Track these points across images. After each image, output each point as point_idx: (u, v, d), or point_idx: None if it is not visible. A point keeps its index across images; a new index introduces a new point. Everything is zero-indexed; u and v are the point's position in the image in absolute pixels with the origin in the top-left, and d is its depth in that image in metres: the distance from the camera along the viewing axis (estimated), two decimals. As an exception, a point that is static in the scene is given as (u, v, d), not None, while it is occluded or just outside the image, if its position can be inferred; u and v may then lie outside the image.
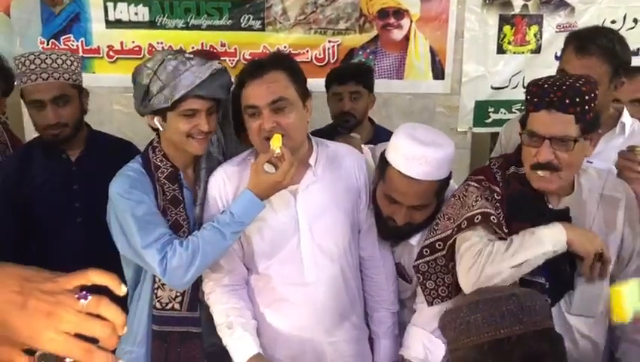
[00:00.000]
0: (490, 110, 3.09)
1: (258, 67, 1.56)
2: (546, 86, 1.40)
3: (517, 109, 3.05)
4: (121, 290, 0.65)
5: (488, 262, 1.41)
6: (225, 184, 1.61)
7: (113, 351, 0.61)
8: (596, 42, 1.72)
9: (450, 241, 1.54)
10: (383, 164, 1.60)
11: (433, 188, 1.55)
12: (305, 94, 1.59)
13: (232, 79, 1.66)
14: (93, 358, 0.59)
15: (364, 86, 2.40)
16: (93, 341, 0.60)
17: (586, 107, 1.38)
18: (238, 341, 1.54)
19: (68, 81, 1.83)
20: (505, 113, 3.07)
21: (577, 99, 1.37)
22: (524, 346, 1.00)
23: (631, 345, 1.57)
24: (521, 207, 1.49)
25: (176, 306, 1.62)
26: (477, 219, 1.49)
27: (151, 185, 1.60)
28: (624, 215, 1.52)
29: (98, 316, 0.61)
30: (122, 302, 1.73)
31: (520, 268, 1.41)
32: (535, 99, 1.40)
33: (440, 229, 1.58)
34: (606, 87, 1.72)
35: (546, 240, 1.41)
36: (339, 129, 2.36)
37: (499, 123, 3.05)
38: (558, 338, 1.05)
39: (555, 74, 1.67)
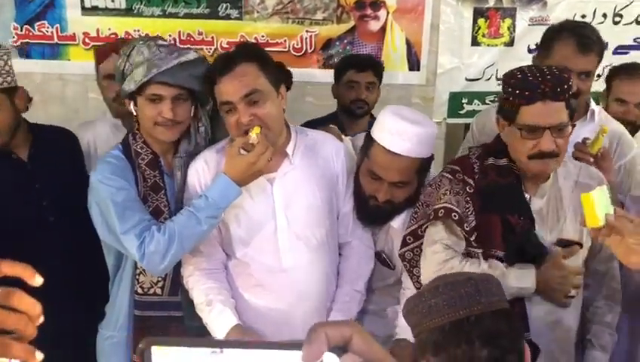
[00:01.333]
0: (464, 101, 3.15)
1: (227, 61, 1.58)
2: (531, 78, 1.45)
3: (490, 100, 3.11)
4: (36, 281, 0.61)
5: None
6: (204, 171, 1.64)
7: (33, 342, 0.59)
8: (593, 39, 1.82)
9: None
10: (368, 141, 1.66)
11: (414, 166, 1.61)
12: (277, 82, 1.62)
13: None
14: (9, 351, 0.57)
15: (378, 79, 2.52)
16: (9, 333, 0.57)
17: (570, 93, 1.46)
18: (218, 316, 1.58)
19: None
20: (478, 104, 3.14)
21: (565, 86, 1.45)
22: (483, 325, 1.03)
23: (601, 326, 1.65)
24: (496, 198, 1.55)
25: (158, 291, 1.65)
26: (440, 213, 1.55)
27: (131, 172, 1.63)
28: None
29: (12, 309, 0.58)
30: (104, 290, 1.76)
31: None
32: (526, 93, 1.44)
33: (419, 216, 1.64)
34: (593, 79, 1.82)
35: (513, 284, 1.49)
36: (355, 112, 2.49)
37: (472, 114, 3.10)
38: (514, 318, 1.10)
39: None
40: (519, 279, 1.50)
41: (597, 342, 1.65)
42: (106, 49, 2.10)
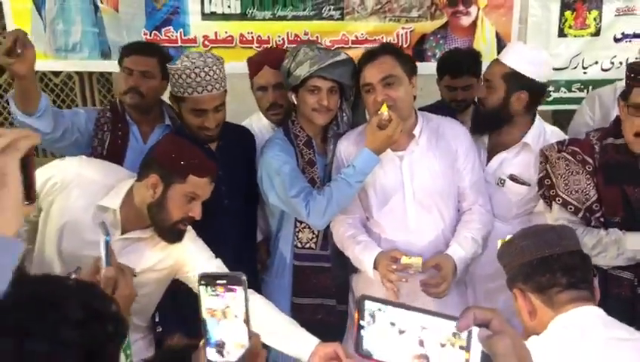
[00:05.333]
0: (551, 89, 3.32)
1: (371, 54, 1.96)
2: None
3: (577, 88, 3.29)
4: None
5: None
6: (348, 147, 2.01)
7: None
8: None
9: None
10: None
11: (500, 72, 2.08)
12: (410, 72, 1.95)
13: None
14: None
15: (475, 75, 2.66)
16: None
17: None
18: (364, 248, 1.95)
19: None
20: (565, 92, 3.31)
21: None
22: (562, 260, 1.35)
23: None
24: (615, 172, 1.81)
25: (312, 245, 2.02)
26: (558, 200, 1.93)
27: (293, 150, 1.98)
28: None
29: None
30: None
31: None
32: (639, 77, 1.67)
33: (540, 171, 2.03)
34: None
35: (629, 247, 1.79)
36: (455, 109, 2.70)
37: (559, 101, 3.32)
38: (586, 257, 1.41)
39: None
40: (634, 243, 1.74)
41: None
42: (258, 61, 2.32)
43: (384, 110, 1.85)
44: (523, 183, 2.13)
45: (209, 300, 0.83)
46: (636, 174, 1.83)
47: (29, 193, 0.75)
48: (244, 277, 0.83)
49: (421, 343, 0.73)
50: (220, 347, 0.86)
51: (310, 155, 2.05)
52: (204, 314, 0.85)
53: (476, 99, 2.38)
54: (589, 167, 1.89)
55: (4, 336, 0.56)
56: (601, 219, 1.87)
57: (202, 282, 0.84)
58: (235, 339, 0.85)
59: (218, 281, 0.83)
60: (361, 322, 0.76)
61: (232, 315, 0.83)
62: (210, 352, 0.86)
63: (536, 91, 2.12)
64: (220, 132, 2.12)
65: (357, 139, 2.01)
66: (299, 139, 2.05)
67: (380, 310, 0.76)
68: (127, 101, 2.31)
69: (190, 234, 1.80)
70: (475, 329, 0.72)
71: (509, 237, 1.46)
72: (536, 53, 2.16)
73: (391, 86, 1.89)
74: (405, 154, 1.99)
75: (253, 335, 0.86)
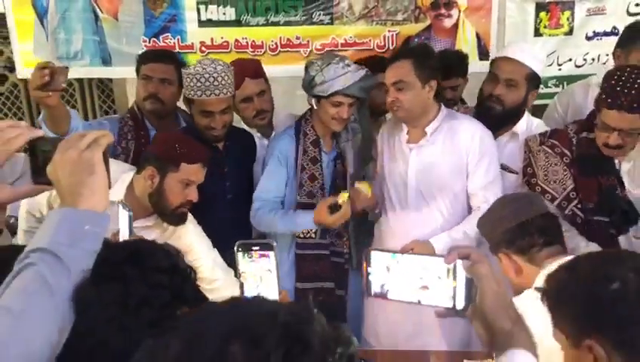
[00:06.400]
0: (528, 85, 3.54)
1: (393, 57, 2.26)
2: (618, 89, 1.83)
3: (552, 84, 3.50)
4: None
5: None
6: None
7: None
8: None
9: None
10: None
11: (522, 73, 2.24)
12: (428, 77, 2.15)
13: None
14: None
15: (462, 76, 2.89)
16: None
17: None
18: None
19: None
20: (542, 88, 3.50)
21: None
22: (537, 224, 1.60)
23: None
24: (590, 164, 2.02)
25: (312, 235, 2.20)
26: (537, 189, 2.12)
27: (295, 146, 2.24)
28: None
29: None
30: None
31: None
32: (609, 100, 1.84)
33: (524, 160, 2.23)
34: None
35: None
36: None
37: (536, 96, 3.52)
38: (555, 216, 1.68)
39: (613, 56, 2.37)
40: None
41: None
42: (238, 76, 2.42)
43: (344, 198, 2.06)
44: (512, 172, 2.33)
45: (245, 264, 1.01)
46: (608, 166, 2.05)
47: (108, 181, 0.93)
48: (274, 243, 1.01)
49: (421, 278, 0.93)
50: None
51: (315, 153, 2.26)
52: (242, 278, 1.02)
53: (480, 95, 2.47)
54: (566, 159, 2.10)
55: (113, 282, 0.73)
56: (578, 206, 2.07)
57: (239, 249, 1.01)
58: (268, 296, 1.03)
59: (253, 248, 1.00)
60: (369, 269, 0.96)
61: (266, 276, 1.01)
62: None
63: (538, 87, 2.35)
64: (226, 133, 2.31)
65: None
66: (307, 138, 2.26)
67: (384, 258, 0.96)
68: (147, 107, 2.45)
69: (193, 223, 2.00)
70: (459, 262, 0.92)
71: None
72: (542, 54, 2.42)
73: (401, 90, 2.13)
74: (415, 147, 2.22)
75: (281, 291, 1.04)
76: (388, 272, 0.94)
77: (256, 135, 2.61)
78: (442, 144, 2.20)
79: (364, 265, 0.96)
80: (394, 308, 2.28)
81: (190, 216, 2.02)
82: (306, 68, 2.23)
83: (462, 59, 3.04)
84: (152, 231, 1.92)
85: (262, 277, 1.01)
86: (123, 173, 1.94)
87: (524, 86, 2.26)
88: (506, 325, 0.87)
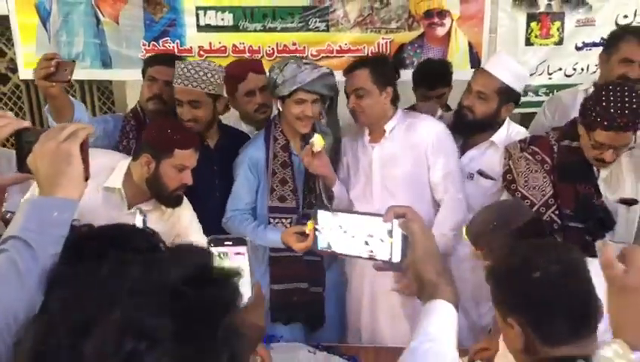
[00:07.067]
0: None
1: (350, 67, 2.34)
2: (612, 110, 1.88)
3: (543, 93, 3.58)
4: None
5: None
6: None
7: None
8: None
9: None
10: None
11: (494, 86, 2.31)
12: (384, 85, 2.28)
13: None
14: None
15: (447, 85, 3.01)
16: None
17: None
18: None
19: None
20: (532, 96, 3.60)
21: (637, 120, 1.90)
22: (526, 230, 1.66)
23: None
24: (570, 172, 2.09)
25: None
26: (517, 194, 2.19)
27: (264, 152, 2.33)
28: None
29: None
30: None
31: None
32: (605, 123, 1.89)
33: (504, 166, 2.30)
34: None
35: None
36: None
37: (527, 105, 3.58)
38: (539, 218, 1.80)
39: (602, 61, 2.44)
40: None
41: None
42: (242, 70, 2.60)
43: (309, 227, 2.09)
44: (489, 178, 2.41)
45: (218, 260, 1.06)
46: (587, 174, 2.12)
47: (86, 172, 0.99)
48: (247, 238, 1.07)
49: (363, 235, 1.04)
50: None
51: (285, 157, 2.34)
52: None
53: (459, 105, 2.57)
54: (546, 166, 2.17)
55: (89, 259, 0.74)
56: (556, 212, 2.13)
57: (212, 244, 1.06)
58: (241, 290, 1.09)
59: (226, 243, 1.05)
60: (317, 227, 1.05)
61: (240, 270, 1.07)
62: None
63: (517, 101, 2.40)
64: (220, 133, 2.43)
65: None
66: (277, 142, 2.35)
67: (330, 217, 1.07)
68: (150, 107, 2.55)
69: (190, 209, 2.14)
70: (396, 221, 1.02)
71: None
72: (521, 70, 2.47)
73: (361, 98, 2.27)
74: (377, 145, 2.35)
75: (254, 284, 1.09)
76: (334, 230, 1.06)
77: (254, 133, 2.68)
78: (402, 139, 2.33)
79: (312, 222, 1.06)
80: (376, 306, 2.36)
81: (187, 202, 2.14)
82: (269, 72, 2.32)
83: (445, 68, 3.15)
84: (152, 214, 2.01)
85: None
86: (119, 162, 2.04)
87: (494, 99, 2.32)
88: (432, 277, 0.97)
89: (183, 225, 2.09)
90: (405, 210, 1.02)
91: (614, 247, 0.87)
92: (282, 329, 2.34)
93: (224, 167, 2.42)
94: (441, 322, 0.92)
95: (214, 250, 1.04)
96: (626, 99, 1.90)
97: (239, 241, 1.05)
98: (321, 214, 1.08)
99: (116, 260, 0.64)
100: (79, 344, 0.55)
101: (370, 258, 1.05)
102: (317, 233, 1.08)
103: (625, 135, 1.93)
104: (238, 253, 1.05)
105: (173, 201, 2.03)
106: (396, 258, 1.03)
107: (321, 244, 1.09)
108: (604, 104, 1.91)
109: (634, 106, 1.89)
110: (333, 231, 1.06)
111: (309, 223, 2.06)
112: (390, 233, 1.01)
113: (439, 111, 2.66)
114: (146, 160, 1.96)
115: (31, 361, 0.58)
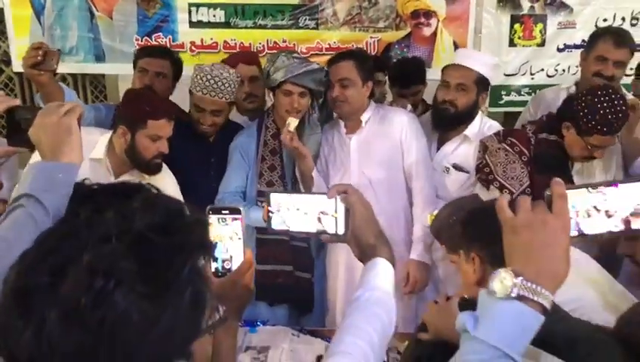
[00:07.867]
0: (502, 93, 3.73)
1: (336, 57, 2.43)
2: (609, 117, 2.03)
3: (525, 92, 3.69)
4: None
5: None
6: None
7: None
8: (627, 38, 2.51)
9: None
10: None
11: (472, 77, 2.41)
12: (366, 78, 2.39)
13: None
14: None
15: (422, 82, 3.13)
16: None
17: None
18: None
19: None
20: (515, 96, 3.72)
21: (625, 120, 2.08)
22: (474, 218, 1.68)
23: None
24: (547, 164, 2.20)
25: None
26: (495, 184, 2.32)
27: (255, 139, 2.43)
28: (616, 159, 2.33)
29: None
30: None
31: None
32: (604, 129, 2.05)
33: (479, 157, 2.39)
34: (625, 70, 2.54)
35: None
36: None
37: (510, 104, 3.73)
38: (491, 205, 1.84)
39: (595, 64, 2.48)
40: None
41: None
42: (233, 60, 2.67)
43: (292, 125, 2.27)
44: (462, 170, 2.50)
45: (219, 228, 1.14)
46: (563, 166, 2.22)
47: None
48: (241, 208, 1.15)
49: (313, 212, 1.14)
50: (224, 262, 1.17)
51: (274, 145, 2.44)
52: (213, 238, 1.15)
53: (434, 101, 2.68)
54: (524, 158, 2.26)
55: (86, 211, 0.74)
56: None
57: (210, 212, 1.14)
58: (235, 255, 1.17)
59: (223, 211, 1.14)
60: (270, 208, 1.17)
61: (234, 238, 1.15)
62: (214, 266, 1.17)
63: (487, 88, 2.52)
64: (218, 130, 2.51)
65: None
66: (268, 130, 2.45)
67: (282, 198, 1.18)
68: None
69: (171, 177, 2.20)
70: (339, 198, 1.12)
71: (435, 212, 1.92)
72: (493, 61, 2.59)
73: (345, 87, 2.36)
74: (354, 135, 2.47)
75: (246, 249, 1.18)
76: (290, 210, 1.16)
77: (247, 123, 2.75)
78: (377, 129, 2.45)
79: (266, 206, 1.15)
80: (352, 291, 2.44)
81: (171, 174, 2.21)
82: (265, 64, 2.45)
83: (419, 66, 3.27)
84: None
85: (231, 237, 1.15)
86: (101, 135, 2.13)
87: (474, 89, 2.43)
88: (370, 239, 1.09)
89: (166, 193, 2.15)
90: (345, 187, 1.14)
91: (507, 197, 1.00)
92: (267, 313, 2.41)
93: (220, 159, 2.50)
94: (381, 276, 1.05)
95: (214, 216, 1.13)
96: (615, 102, 2.04)
97: (235, 211, 1.14)
98: (275, 196, 1.19)
99: (92, 208, 0.73)
100: (57, 283, 0.64)
101: (321, 233, 1.15)
102: (271, 214, 1.19)
103: (616, 135, 2.12)
104: (235, 219, 1.14)
105: (152, 168, 2.10)
106: (341, 230, 1.13)
107: (276, 224, 1.19)
108: (601, 112, 2.04)
109: (623, 108, 2.04)
110: (288, 212, 1.17)
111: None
112: (335, 208, 1.12)
113: (408, 107, 2.83)
114: (122, 131, 2.04)
115: (13, 295, 0.66)
